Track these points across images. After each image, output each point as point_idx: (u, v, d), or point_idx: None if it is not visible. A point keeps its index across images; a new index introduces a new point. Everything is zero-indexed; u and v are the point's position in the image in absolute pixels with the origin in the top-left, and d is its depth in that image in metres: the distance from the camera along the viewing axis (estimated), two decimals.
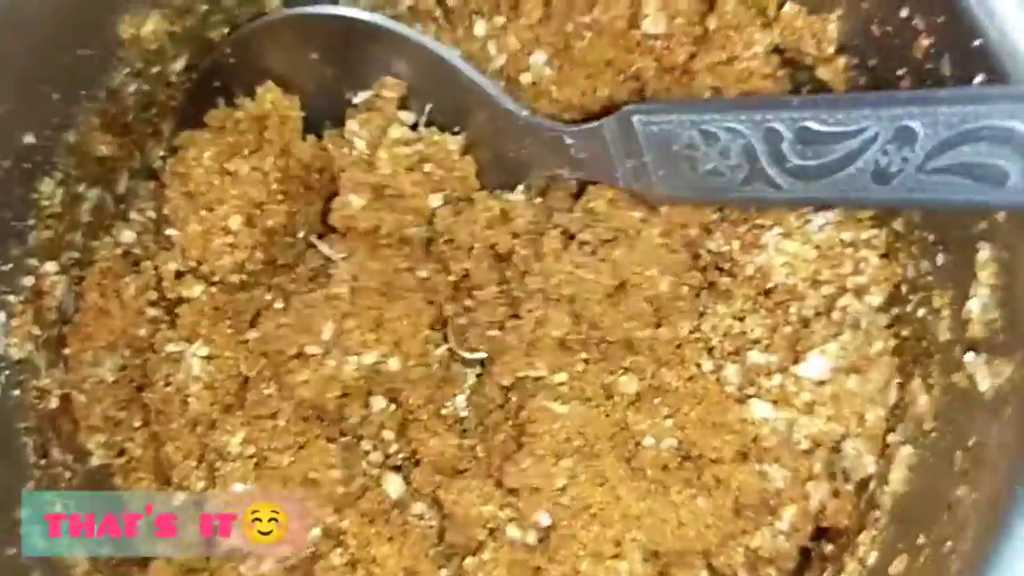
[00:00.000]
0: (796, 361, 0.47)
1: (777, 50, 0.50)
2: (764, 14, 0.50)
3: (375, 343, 0.51)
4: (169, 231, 0.55)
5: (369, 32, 0.53)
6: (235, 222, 0.53)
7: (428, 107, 0.54)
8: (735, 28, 0.50)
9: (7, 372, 0.51)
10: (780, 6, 0.49)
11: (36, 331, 0.52)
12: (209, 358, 0.53)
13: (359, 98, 0.55)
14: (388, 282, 0.52)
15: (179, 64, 0.56)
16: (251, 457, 0.51)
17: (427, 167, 0.52)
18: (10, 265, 0.51)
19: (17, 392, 0.51)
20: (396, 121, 0.53)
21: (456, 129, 0.54)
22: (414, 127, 0.54)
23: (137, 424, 0.55)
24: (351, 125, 0.53)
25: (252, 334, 0.52)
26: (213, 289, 0.54)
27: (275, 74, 0.55)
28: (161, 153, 0.59)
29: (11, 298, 0.51)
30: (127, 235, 0.57)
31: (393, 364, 0.51)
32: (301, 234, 0.55)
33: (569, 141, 0.50)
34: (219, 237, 0.53)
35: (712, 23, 0.51)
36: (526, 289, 0.51)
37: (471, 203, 0.52)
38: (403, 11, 0.61)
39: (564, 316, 0.50)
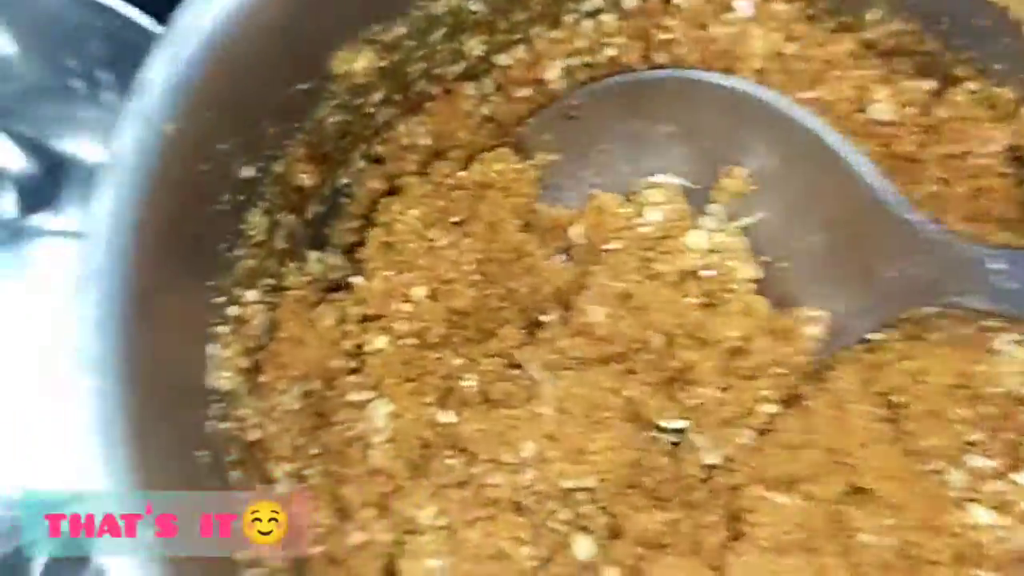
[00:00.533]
0: (1016, 468, 0.46)
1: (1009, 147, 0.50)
2: (994, 108, 0.50)
3: (575, 474, 0.48)
4: (355, 279, 0.53)
5: (754, 109, 0.48)
6: (417, 294, 0.52)
7: (760, 215, 0.50)
8: (971, 121, 0.50)
9: (219, 404, 0.50)
10: (1020, 104, 0.49)
11: (242, 362, 0.51)
12: (394, 415, 0.50)
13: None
14: (594, 405, 0.48)
15: (377, 96, 0.56)
16: (442, 528, 0.48)
17: (704, 274, 0.49)
18: (223, 297, 0.51)
19: (225, 425, 0.51)
20: (689, 218, 0.50)
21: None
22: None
23: (315, 452, 0.53)
24: (652, 196, 0.51)
25: (442, 416, 0.49)
26: (401, 341, 0.51)
27: (602, 137, 0.52)
28: (345, 180, 0.59)
29: (221, 329, 0.51)
30: (316, 266, 0.57)
31: (590, 482, 0.49)
32: (497, 306, 0.52)
33: (993, 266, 0.42)
34: (398, 302, 0.51)
35: (942, 112, 0.51)
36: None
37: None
38: (601, 60, 0.61)
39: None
